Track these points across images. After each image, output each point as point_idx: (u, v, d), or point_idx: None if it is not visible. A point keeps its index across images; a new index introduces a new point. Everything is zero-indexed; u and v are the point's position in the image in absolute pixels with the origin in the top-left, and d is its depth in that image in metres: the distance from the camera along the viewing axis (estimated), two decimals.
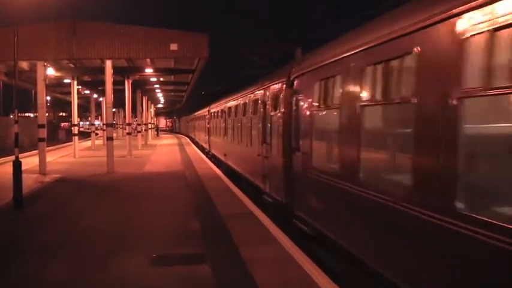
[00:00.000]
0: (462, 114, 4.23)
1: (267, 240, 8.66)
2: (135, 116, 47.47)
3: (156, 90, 46.39)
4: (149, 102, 54.09)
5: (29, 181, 15.65)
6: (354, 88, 6.71)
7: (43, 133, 19.90)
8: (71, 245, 8.73)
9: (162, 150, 35.45)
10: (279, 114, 11.12)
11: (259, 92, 13.68)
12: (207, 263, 7.36)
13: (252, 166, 14.53)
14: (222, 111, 23.32)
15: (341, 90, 7.21)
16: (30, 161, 21.38)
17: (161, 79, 35.18)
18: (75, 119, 31.68)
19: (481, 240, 3.90)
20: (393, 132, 5.86)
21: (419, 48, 4.93)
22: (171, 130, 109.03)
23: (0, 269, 7.33)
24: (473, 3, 4.10)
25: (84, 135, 56.11)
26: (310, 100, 8.95)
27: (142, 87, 38.21)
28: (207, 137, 32.34)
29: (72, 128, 32.10)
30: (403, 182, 5.24)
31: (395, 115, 5.76)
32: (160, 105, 78.39)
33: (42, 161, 19.62)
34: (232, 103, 19.88)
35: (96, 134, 44.60)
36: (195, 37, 20.05)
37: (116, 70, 23.13)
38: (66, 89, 33.27)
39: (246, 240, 8.68)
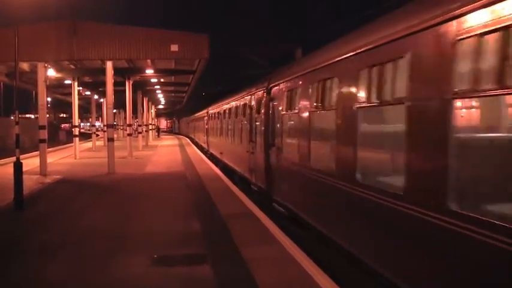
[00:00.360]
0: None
1: (268, 240, 8.67)
2: (136, 117, 47.47)
3: (157, 91, 46.41)
4: (150, 103, 54.14)
5: (29, 182, 15.67)
6: (306, 98, 9.16)
7: (44, 134, 19.91)
8: (71, 245, 8.73)
9: (162, 151, 35.46)
10: (261, 117, 13.22)
11: (247, 97, 15.80)
12: (207, 263, 7.36)
13: (242, 161, 16.66)
14: (218, 113, 25.43)
15: (299, 100, 9.60)
16: (31, 162, 21.40)
17: (162, 80, 35.18)
18: (76, 120, 31.69)
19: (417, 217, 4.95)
20: (329, 130, 7.76)
21: (351, 71, 6.87)
22: (170, 131, 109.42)
23: (1, 269, 7.34)
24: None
25: (85, 136, 56.13)
26: (281, 105, 11.26)
27: (143, 88, 38.20)
28: (205, 137, 34.47)
29: (73, 129, 32.11)
30: (332, 165, 7.52)
31: (330, 118, 7.74)
32: (161, 106, 78.40)
33: (43, 162, 19.63)
34: (226, 106, 22.03)
35: (97, 135, 44.61)
36: (195, 38, 20.04)
37: (117, 71, 23.15)
38: (67, 90, 33.27)
39: (246, 240, 8.68)
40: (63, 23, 19.54)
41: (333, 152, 7.62)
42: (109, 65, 20.83)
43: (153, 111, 66.52)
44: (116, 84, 22.54)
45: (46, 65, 20.65)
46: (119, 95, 30.19)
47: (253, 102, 14.69)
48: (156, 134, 69.84)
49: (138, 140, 37.85)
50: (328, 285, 6.27)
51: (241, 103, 17.13)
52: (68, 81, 29.88)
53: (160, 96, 54.91)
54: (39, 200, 13.92)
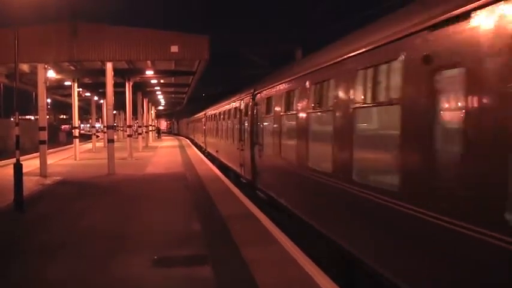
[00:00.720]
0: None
1: (268, 241, 8.66)
2: (136, 118, 47.48)
3: (157, 92, 46.40)
4: (150, 104, 54.14)
5: (29, 183, 15.68)
6: (278, 104, 11.55)
7: (44, 135, 19.91)
8: (71, 246, 8.73)
9: (162, 152, 35.45)
10: (248, 119, 15.38)
11: (238, 101, 18.02)
12: (208, 264, 7.36)
13: (233, 158, 18.97)
14: (214, 115, 27.70)
15: (274, 105, 11.88)
16: (31, 164, 21.41)
17: (162, 81, 35.18)
18: (76, 121, 31.68)
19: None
20: (293, 130, 9.99)
21: (303, 86, 9.38)
22: (169, 132, 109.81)
23: (1, 269, 7.34)
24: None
25: (85, 137, 56.15)
26: (262, 110, 13.48)
27: (143, 89, 38.19)
28: (203, 138, 36.98)
29: (73, 131, 32.10)
30: (296, 158, 9.68)
31: (293, 121, 9.95)
32: (161, 107, 78.38)
33: (43, 163, 19.64)
34: (221, 109, 24.21)
35: (97, 136, 44.61)
36: (195, 39, 20.03)
37: (117, 72, 23.16)
38: (67, 91, 33.26)
39: (246, 241, 8.68)
40: (63, 25, 19.54)
41: (296, 147, 9.72)
42: (109, 66, 20.84)
43: (153, 112, 66.49)
44: (116, 85, 22.54)
45: (46, 66, 20.65)
46: (119, 96, 30.17)
47: (242, 106, 16.91)
48: (156, 135, 69.78)
49: (138, 141, 37.85)
50: (328, 286, 6.27)
51: (233, 107, 19.31)
52: (68, 83, 29.88)
53: (160, 97, 54.93)
54: (40, 201, 13.92)
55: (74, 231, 9.95)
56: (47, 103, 27.71)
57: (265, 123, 13.16)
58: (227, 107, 21.48)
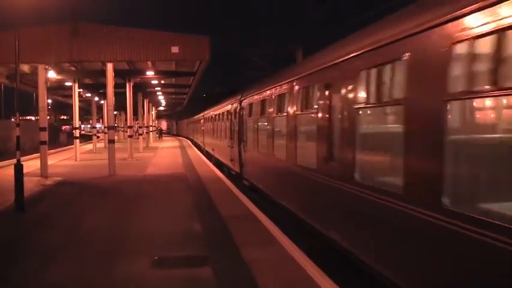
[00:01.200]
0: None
1: (269, 242, 8.66)
2: (137, 119, 47.50)
3: (158, 93, 46.42)
4: (150, 104, 54.15)
5: (30, 184, 15.68)
6: (257, 109, 14.35)
7: (44, 136, 19.92)
8: (72, 247, 8.72)
9: (163, 153, 35.45)
10: (236, 120, 18.49)
11: (229, 105, 21.16)
12: (209, 265, 7.35)
13: (226, 154, 21.87)
14: (211, 117, 31.02)
15: (256, 109, 14.66)
16: (31, 164, 21.41)
17: (162, 82, 35.18)
18: (77, 122, 31.68)
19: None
20: (268, 130, 12.67)
21: (271, 97, 12.48)
22: (168, 132, 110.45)
23: (1, 269, 7.33)
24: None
25: (85, 138, 56.20)
26: (247, 113, 16.40)
27: (143, 89, 38.20)
28: (202, 138, 40.16)
29: (74, 131, 32.10)
30: (271, 151, 12.29)
31: (268, 122, 12.80)
32: (161, 108, 78.38)
33: (44, 164, 19.64)
34: (216, 112, 27.63)
35: (98, 136, 44.62)
36: (196, 40, 20.03)
37: (117, 73, 23.16)
38: (68, 92, 33.28)
39: (247, 241, 8.68)
40: (63, 25, 19.56)
41: (267, 143, 12.64)
42: (109, 66, 20.85)
43: (153, 113, 66.51)
44: (116, 86, 22.54)
45: (46, 66, 20.67)
46: (120, 97, 30.19)
47: (232, 110, 20.03)
48: (157, 135, 69.80)
49: (139, 141, 37.85)
50: (329, 287, 6.26)
51: (225, 110, 22.46)
52: (68, 83, 29.90)
53: (161, 98, 54.95)
54: (40, 201, 13.92)
55: (74, 231, 9.94)
56: (48, 104, 27.71)
57: (248, 125, 16.31)
58: (221, 110, 24.80)
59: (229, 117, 20.53)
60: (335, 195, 7.60)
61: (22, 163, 12.87)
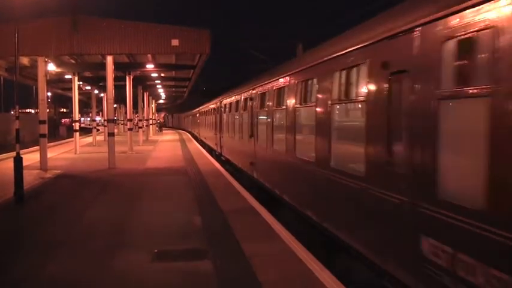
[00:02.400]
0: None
1: (269, 236, 8.65)
2: (136, 112, 47.44)
3: (157, 86, 46.33)
4: (150, 98, 54.07)
5: (30, 177, 15.67)
6: (228, 108, 20.98)
7: (44, 129, 19.88)
8: (71, 240, 8.71)
9: (163, 146, 35.43)
10: (218, 116, 25.04)
11: (214, 104, 28.37)
12: (209, 258, 7.35)
13: (213, 140, 28.43)
14: (204, 111, 37.75)
15: (228, 108, 21.05)
16: (31, 157, 21.39)
17: (162, 75, 35.11)
18: (76, 115, 31.64)
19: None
20: (235, 121, 19.02)
21: (237, 100, 18.79)
22: (163, 125, 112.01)
23: (1, 263, 7.32)
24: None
25: (85, 131, 56.12)
26: (224, 110, 22.68)
27: (143, 83, 38.12)
28: (198, 129, 47.12)
29: (73, 124, 32.07)
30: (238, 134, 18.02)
31: (236, 117, 18.70)
32: (161, 101, 78.36)
33: (43, 157, 19.62)
34: (206, 108, 35.54)
35: (97, 129, 44.57)
36: (196, 33, 19.94)
37: (117, 66, 23.08)
38: (67, 85, 33.21)
39: (247, 235, 8.67)
40: (64, 18, 19.47)
41: (234, 129, 19.23)
42: (109, 59, 20.79)
43: (153, 106, 66.44)
44: (116, 79, 22.49)
45: (46, 59, 20.60)
46: (120, 90, 30.14)
47: (216, 108, 26.60)
48: (157, 128, 69.93)
49: (139, 134, 37.82)
50: (329, 281, 6.26)
51: (212, 108, 29.83)
52: (68, 76, 29.83)
53: (161, 91, 54.86)
54: (40, 194, 13.91)
55: (74, 224, 9.93)
56: (47, 96, 27.64)
57: (224, 118, 22.48)
58: (208, 107, 33.45)
59: (214, 113, 27.63)
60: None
61: (21, 156, 12.86)
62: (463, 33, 4.29)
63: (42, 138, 19.79)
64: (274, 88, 11.86)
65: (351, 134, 7.25)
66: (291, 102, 10.22)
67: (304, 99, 9.43)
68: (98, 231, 9.32)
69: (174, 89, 52.51)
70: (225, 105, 21.80)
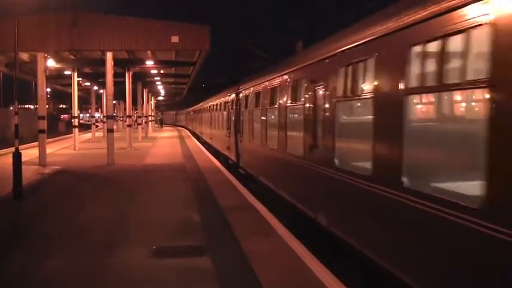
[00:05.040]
0: None
1: (267, 233, 8.66)
2: (136, 108, 47.42)
3: (157, 83, 46.30)
4: (150, 94, 54.04)
5: (28, 173, 15.66)
6: (204, 112, 33.64)
7: (43, 125, 19.86)
8: (70, 236, 8.72)
9: (162, 143, 35.43)
10: (196, 114, 39.95)
11: (194, 107, 42.25)
12: (207, 254, 7.36)
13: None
14: (198, 110, 41.82)
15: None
16: (30, 153, 21.38)
17: (162, 71, 35.09)
18: (76, 111, 31.63)
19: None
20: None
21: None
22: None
23: None
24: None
25: (84, 127, 56.06)
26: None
27: (143, 79, 38.12)
28: (191, 124, 53.38)
29: (73, 120, 32.06)
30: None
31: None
32: (161, 98, 78.39)
33: (42, 152, 19.61)
34: (197, 108, 41.39)
35: (97, 126, 44.56)
36: (196, 29, 19.92)
37: (117, 62, 23.07)
38: (67, 81, 33.18)
39: (246, 232, 8.68)
40: (64, 14, 19.44)
41: (204, 126, 30.49)
42: (109, 55, 20.76)
43: (152, 102, 66.43)
44: (116, 75, 22.48)
45: (46, 55, 20.58)
46: (119, 86, 30.12)
47: (196, 110, 34.23)
48: (157, 125, 70.15)
49: (138, 131, 37.80)
50: (326, 277, 6.27)
51: (194, 109, 37.36)
52: (67, 72, 29.81)
53: (160, 88, 54.82)
54: (38, 190, 13.92)
55: (72, 220, 9.93)
56: (47, 92, 27.61)
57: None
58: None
59: (192, 113, 33.89)
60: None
61: (20, 152, 12.84)
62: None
63: (41, 134, 19.77)
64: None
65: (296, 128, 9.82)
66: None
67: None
68: (97, 228, 9.32)
69: (173, 86, 52.46)
70: (197, 110, 30.49)
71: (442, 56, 4.60)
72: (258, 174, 14.38)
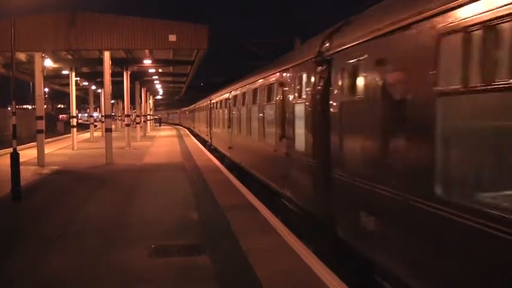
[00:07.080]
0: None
1: (267, 231, 8.65)
2: (134, 108, 47.38)
3: (155, 82, 46.26)
4: (148, 93, 53.98)
5: (27, 173, 15.62)
6: (202, 110, 36.30)
7: (41, 125, 19.83)
8: (69, 236, 8.70)
9: (161, 142, 35.41)
10: (190, 113, 52.04)
11: (192, 106, 48.18)
12: (206, 253, 7.34)
13: (199, 127, 35.64)
14: (192, 110, 49.53)
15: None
16: (28, 153, 21.34)
17: (160, 70, 35.05)
18: (74, 110, 31.57)
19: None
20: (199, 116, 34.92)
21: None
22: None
23: None
24: None
25: (82, 127, 56.01)
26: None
27: (141, 78, 38.07)
28: (186, 121, 60.08)
29: (71, 120, 32.00)
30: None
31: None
32: (159, 97, 78.44)
33: (41, 152, 19.57)
34: (191, 108, 48.04)
35: (95, 125, 44.49)
36: (194, 28, 19.89)
37: (115, 61, 23.04)
38: (65, 81, 33.16)
39: (245, 231, 8.66)
40: (61, 14, 19.40)
41: (199, 121, 38.13)
42: (107, 55, 20.72)
43: (151, 101, 66.41)
44: (113, 74, 22.43)
45: (43, 55, 20.53)
46: (117, 86, 30.05)
47: (194, 108, 40.81)
48: (156, 124, 70.43)
49: (136, 130, 37.77)
50: (326, 276, 6.26)
51: (193, 108, 42.58)
52: (65, 72, 29.75)
53: (159, 87, 54.77)
54: (37, 190, 13.89)
55: (71, 221, 9.90)
56: (44, 92, 27.56)
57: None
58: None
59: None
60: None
61: (18, 152, 12.80)
62: None
63: (39, 134, 19.74)
64: None
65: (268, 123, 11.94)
66: None
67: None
68: (96, 227, 9.29)
69: (171, 85, 52.42)
70: (192, 110, 34.69)
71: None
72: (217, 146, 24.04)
